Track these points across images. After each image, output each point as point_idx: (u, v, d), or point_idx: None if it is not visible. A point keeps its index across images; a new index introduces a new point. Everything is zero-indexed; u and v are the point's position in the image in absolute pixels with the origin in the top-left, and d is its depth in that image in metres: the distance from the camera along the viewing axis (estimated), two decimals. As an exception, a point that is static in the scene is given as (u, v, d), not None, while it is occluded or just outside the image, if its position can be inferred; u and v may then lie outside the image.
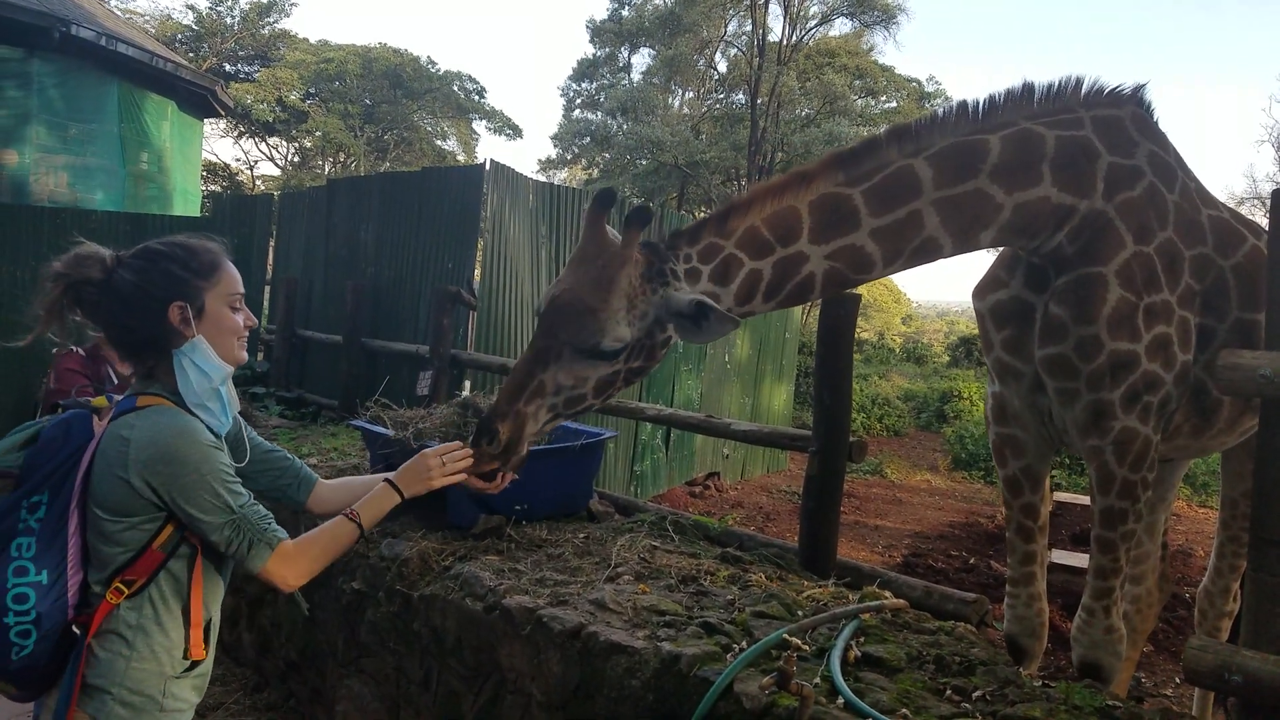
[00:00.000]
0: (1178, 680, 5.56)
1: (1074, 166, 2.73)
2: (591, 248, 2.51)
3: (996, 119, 2.70)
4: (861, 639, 2.63)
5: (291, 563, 2.02)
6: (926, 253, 2.67)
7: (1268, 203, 2.63)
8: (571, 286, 2.47)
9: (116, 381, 3.97)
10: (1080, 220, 2.76)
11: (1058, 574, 6.64)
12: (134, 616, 1.90)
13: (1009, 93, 2.77)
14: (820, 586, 3.21)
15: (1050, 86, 2.80)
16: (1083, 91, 2.83)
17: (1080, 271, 2.77)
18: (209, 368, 1.98)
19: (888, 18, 25.35)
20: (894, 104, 28.28)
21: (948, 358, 30.69)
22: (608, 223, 2.55)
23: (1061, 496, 9.93)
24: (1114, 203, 2.77)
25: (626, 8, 28.27)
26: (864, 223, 2.57)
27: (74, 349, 3.92)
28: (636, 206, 2.58)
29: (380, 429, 4.03)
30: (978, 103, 2.73)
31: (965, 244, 2.71)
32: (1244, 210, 22.17)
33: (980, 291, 3.15)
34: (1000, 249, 3.09)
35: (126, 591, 1.89)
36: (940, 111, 2.72)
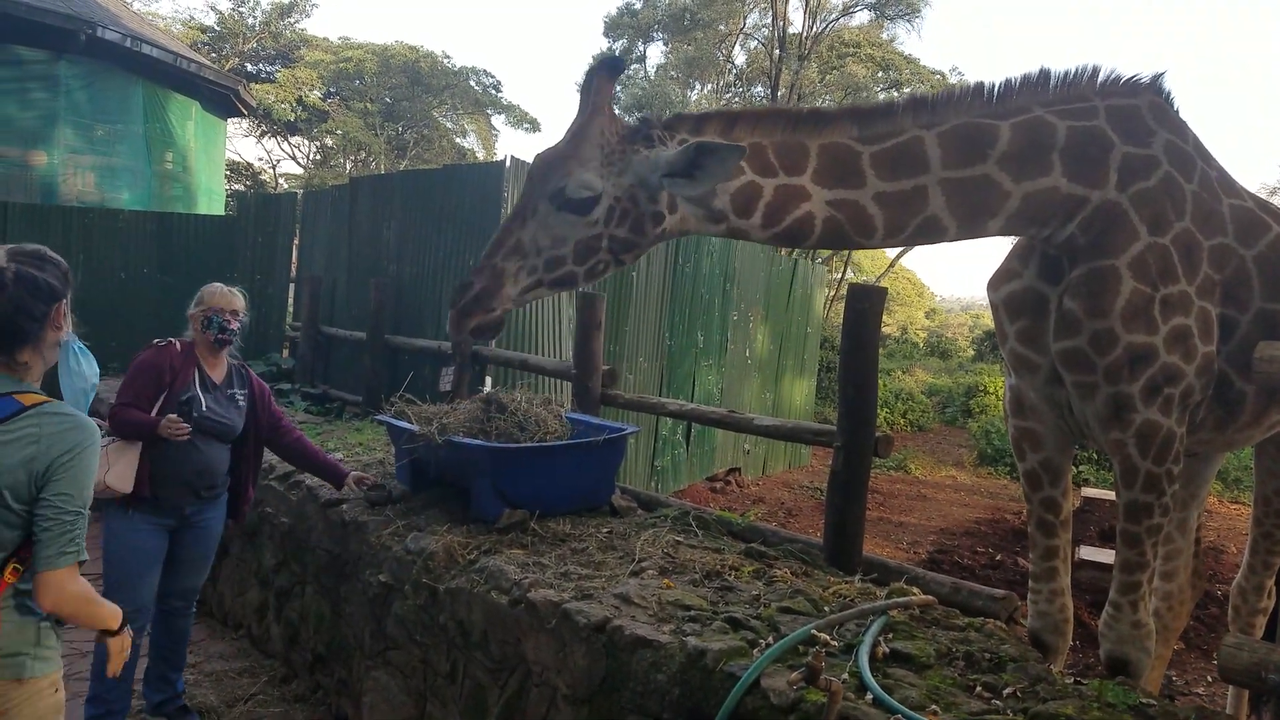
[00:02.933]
0: (1210, 678, 5.49)
1: (1086, 157, 2.70)
2: (582, 112, 2.54)
3: (1011, 104, 2.69)
4: (890, 635, 2.61)
5: (72, 584, 2.04)
6: (930, 232, 2.66)
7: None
8: (553, 145, 2.52)
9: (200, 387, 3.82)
10: (1093, 211, 2.73)
11: (1086, 570, 6.57)
12: (27, 588, 2.05)
13: (1025, 78, 2.75)
14: (846, 582, 3.20)
15: (1066, 74, 2.78)
16: (1099, 80, 2.80)
17: (1092, 264, 2.74)
18: (89, 360, 2.18)
19: (911, 10, 25.12)
20: (918, 97, 27.99)
21: (972, 352, 30.44)
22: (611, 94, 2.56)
23: (1089, 492, 9.83)
24: (1128, 193, 2.73)
25: (640, 1, 28.17)
26: (869, 184, 2.58)
27: (172, 341, 3.87)
28: (605, 55, 2.57)
29: (406, 424, 4.05)
30: (994, 85, 2.72)
31: (971, 230, 2.70)
32: (1276, 199, 21.82)
33: (995, 283, 3.13)
34: (1015, 240, 3.06)
35: (21, 570, 2.03)
36: (958, 89, 2.71)
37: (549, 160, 2.53)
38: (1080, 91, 2.77)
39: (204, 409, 3.77)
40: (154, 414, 3.66)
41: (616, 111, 2.65)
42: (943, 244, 2.73)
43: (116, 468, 3.57)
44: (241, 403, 3.99)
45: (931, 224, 2.64)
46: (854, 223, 2.60)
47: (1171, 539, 3.93)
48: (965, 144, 2.62)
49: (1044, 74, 2.76)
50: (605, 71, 2.51)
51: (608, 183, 2.47)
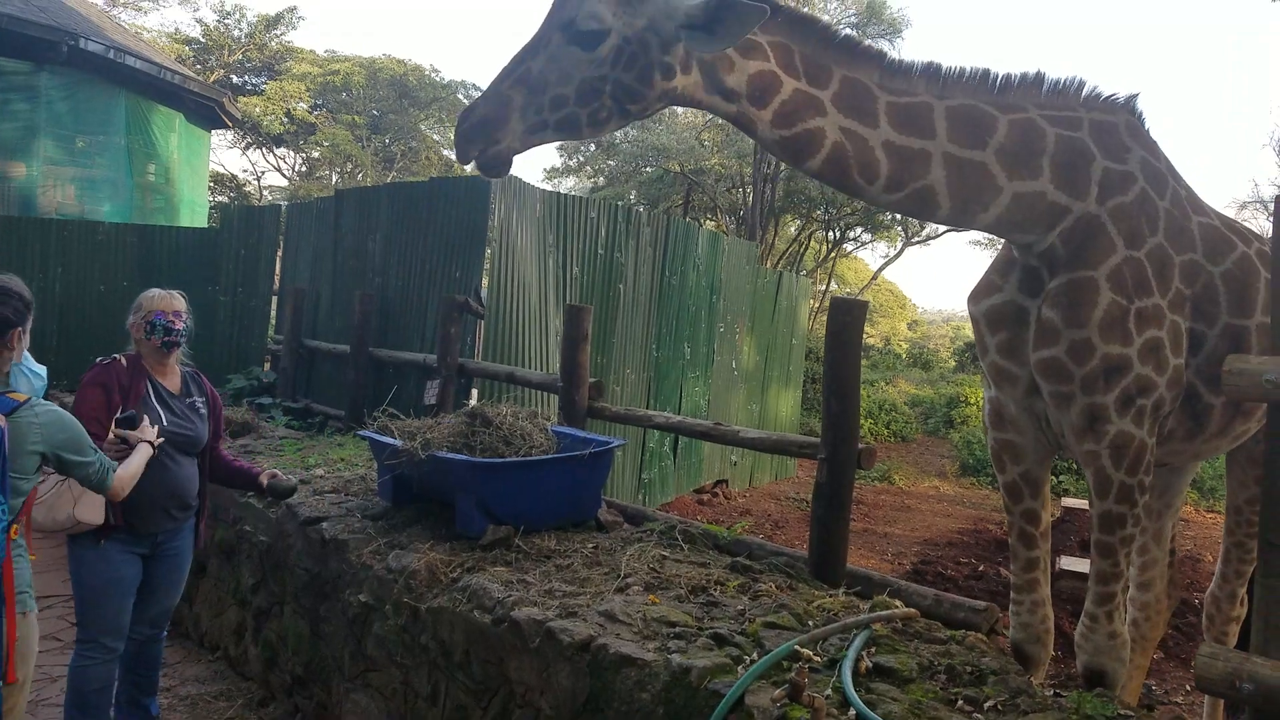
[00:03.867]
0: (1188, 687, 5.52)
1: (1071, 167, 2.76)
2: None
3: (1009, 97, 2.75)
4: (873, 649, 2.61)
5: (122, 480, 3.16)
6: (924, 203, 2.70)
7: (1269, 207, 2.65)
8: None
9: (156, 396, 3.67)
10: (1073, 222, 2.78)
11: (1067, 580, 6.60)
12: (20, 539, 2.89)
13: (1023, 76, 2.82)
14: (831, 596, 3.20)
15: (1057, 81, 2.85)
16: (1083, 93, 2.86)
17: (1072, 275, 2.78)
18: (40, 379, 3.18)
19: (892, 30, 25.35)
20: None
21: (954, 363, 30.61)
22: None
23: (1069, 502, 9.89)
24: (1106, 207, 2.78)
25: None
26: (881, 129, 2.60)
27: (116, 357, 3.65)
28: None
29: (388, 439, 4.03)
30: (996, 75, 2.78)
31: (963, 216, 2.75)
32: (1245, 214, 22.11)
33: (975, 296, 3.16)
34: (995, 253, 3.11)
35: (19, 526, 2.85)
36: (966, 70, 2.75)
37: None
38: (1068, 101, 2.83)
39: (165, 423, 3.58)
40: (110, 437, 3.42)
41: None
42: (936, 222, 2.77)
43: (84, 499, 3.39)
44: (202, 410, 3.81)
45: (927, 194, 2.67)
46: (859, 160, 2.60)
47: (1147, 549, 3.97)
48: (968, 125, 2.67)
49: (1039, 76, 2.83)
50: None
51: (619, 20, 2.39)
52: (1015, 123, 2.71)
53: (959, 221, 2.78)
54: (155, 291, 3.76)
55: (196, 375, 3.93)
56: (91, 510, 3.42)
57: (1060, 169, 2.74)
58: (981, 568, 8.19)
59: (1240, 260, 3.03)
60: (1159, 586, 4.03)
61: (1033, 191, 2.73)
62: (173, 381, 3.76)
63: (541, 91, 2.43)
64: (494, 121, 2.46)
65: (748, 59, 2.50)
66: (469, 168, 2.47)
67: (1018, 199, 2.72)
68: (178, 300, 3.75)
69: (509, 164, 2.56)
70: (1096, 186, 2.78)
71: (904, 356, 32.53)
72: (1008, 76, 2.77)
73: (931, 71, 2.69)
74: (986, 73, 2.76)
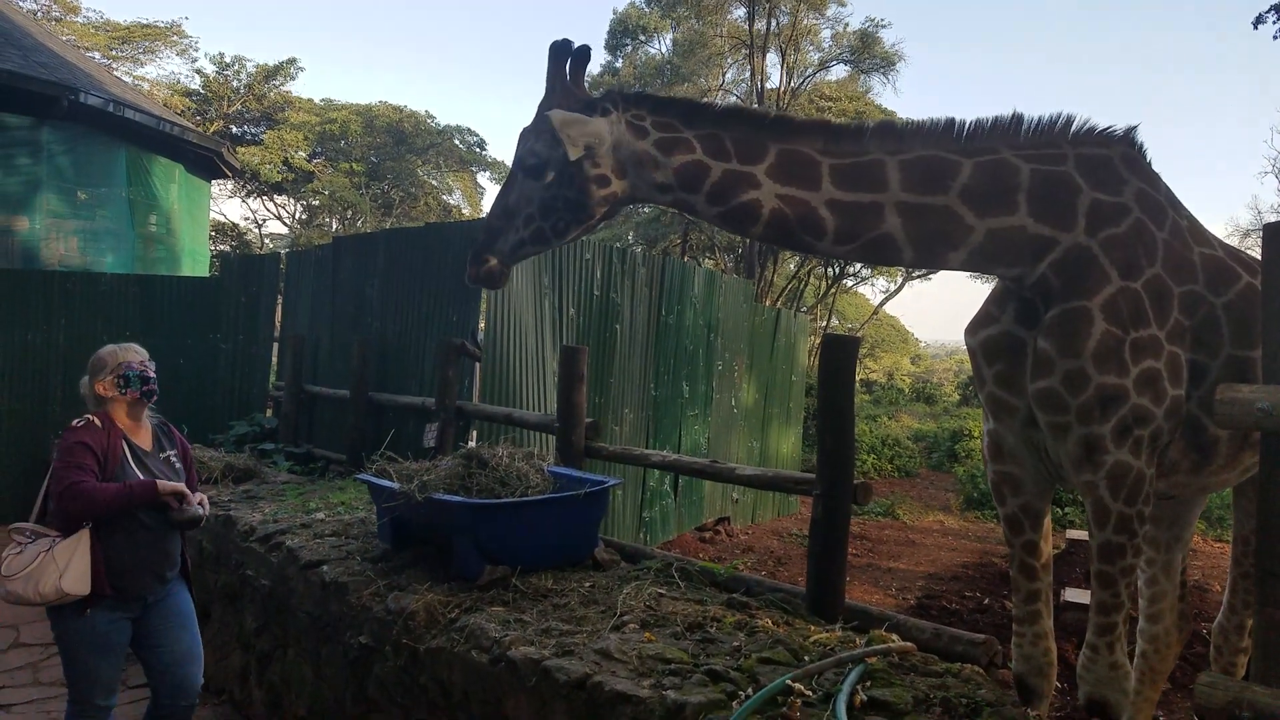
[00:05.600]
0: (1195, 718, 5.46)
1: (1052, 199, 2.78)
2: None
3: (979, 143, 2.79)
4: (868, 683, 2.61)
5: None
6: (884, 250, 2.77)
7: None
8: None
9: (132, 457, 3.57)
10: (1063, 254, 2.79)
11: (1071, 613, 6.55)
12: None
13: (997, 121, 2.85)
14: (828, 631, 3.20)
15: (1039, 121, 2.87)
16: (1072, 129, 2.88)
17: (1065, 306, 2.80)
18: None
19: (887, 64, 25.74)
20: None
21: (957, 396, 30.59)
22: (582, 78, 2.99)
23: (1074, 534, 9.83)
24: (1097, 238, 2.80)
25: (620, 59, 28.80)
26: (824, 190, 2.70)
27: (89, 418, 3.49)
28: (557, 40, 2.97)
29: (386, 482, 4.05)
30: (964, 124, 2.83)
31: (930, 257, 2.80)
32: (1249, 241, 22.20)
33: (972, 328, 3.18)
34: (993, 286, 3.13)
35: None
36: (928, 123, 2.82)
37: (521, 135, 2.94)
38: (1051, 139, 2.86)
39: None
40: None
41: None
42: (902, 266, 2.85)
43: (71, 570, 3.27)
44: (177, 464, 3.71)
45: (885, 242, 2.74)
46: (802, 221, 2.72)
47: (1156, 581, 3.94)
48: (926, 173, 2.72)
49: (1016, 119, 2.85)
50: (554, 55, 2.91)
51: (554, 151, 2.79)
52: (982, 164, 2.75)
53: (928, 263, 2.84)
54: (113, 347, 3.63)
55: (165, 425, 3.83)
56: (79, 581, 3.29)
57: (1038, 202, 2.77)
58: (986, 601, 8.13)
59: (1243, 291, 3.03)
60: (1168, 619, 3.99)
61: (1009, 226, 2.76)
62: (144, 438, 3.65)
63: (517, 215, 2.89)
64: (486, 245, 2.94)
65: (671, 156, 2.77)
66: (470, 281, 3.01)
67: (993, 235, 2.76)
68: (140, 351, 3.67)
69: (503, 278, 3.00)
70: (1084, 218, 2.80)
71: (907, 391, 32.53)
72: (978, 123, 2.81)
73: (885, 130, 2.77)
74: (951, 122, 2.81)
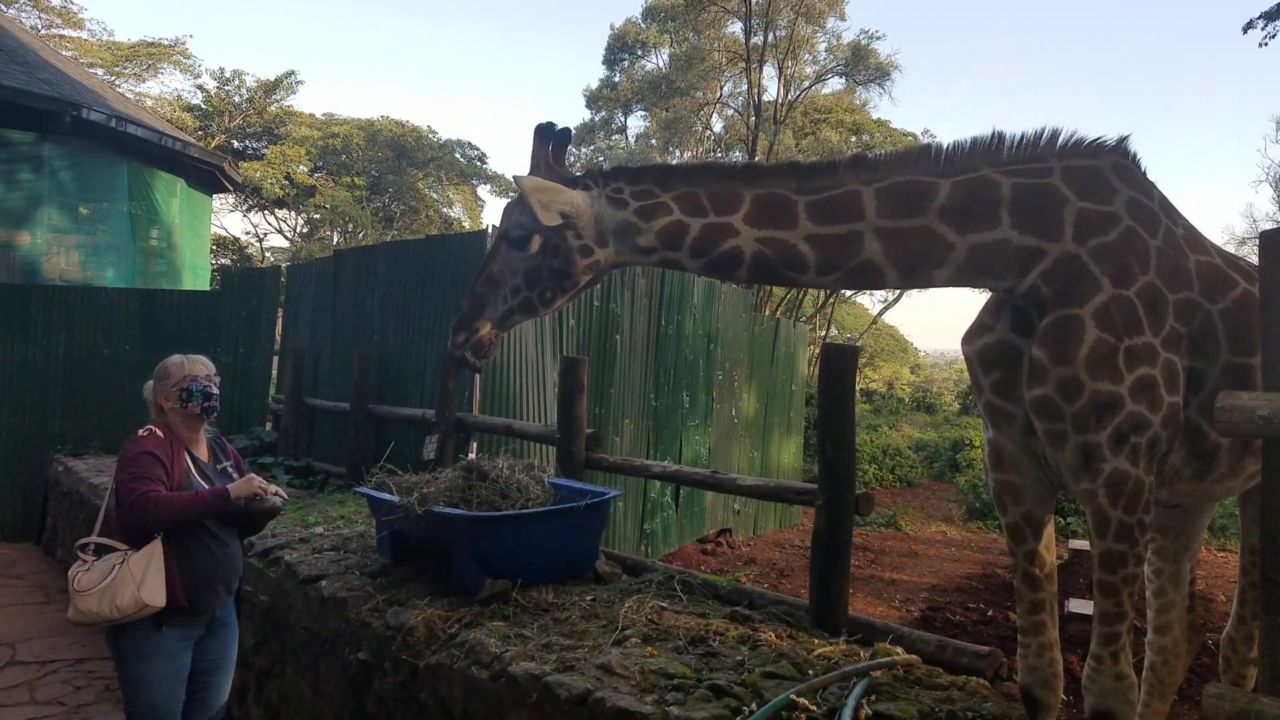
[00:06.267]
0: (1205, 730, 5.41)
1: (1036, 210, 2.79)
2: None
3: (958, 164, 2.79)
4: (873, 697, 2.58)
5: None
6: (868, 275, 2.80)
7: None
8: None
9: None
10: (1052, 263, 2.80)
11: (1076, 623, 6.51)
12: None
13: (976, 141, 2.85)
14: (831, 644, 3.17)
15: (1023, 137, 2.87)
16: (1058, 143, 2.89)
17: (1058, 314, 2.80)
18: None
19: (882, 75, 25.83)
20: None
21: (958, 406, 30.55)
22: (564, 157, 3.05)
23: (1077, 545, 9.79)
24: (1086, 247, 2.80)
25: (619, 73, 28.93)
26: (801, 226, 2.74)
27: (151, 429, 3.46)
28: (541, 123, 3.05)
29: (385, 495, 4.03)
30: (941, 147, 2.84)
31: (915, 278, 2.82)
32: (1245, 249, 22.23)
33: (968, 337, 3.18)
34: (989, 295, 3.12)
35: None
36: (904, 151, 2.85)
37: (506, 209, 3.00)
38: (1037, 153, 2.86)
39: None
40: None
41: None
42: (889, 288, 2.87)
43: (148, 581, 3.17)
44: (233, 474, 3.65)
45: (868, 268, 2.77)
46: (783, 258, 2.77)
47: (1164, 592, 3.91)
48: (902, 198, 2.74)
49: (997, 136, 2.86)
50: (538, 135, 2.99)
51: (537, 224, 2.86)
52: (961, 183, 2.77)
53: (915, 283, 2.87)
54: (180, 358, 3.59)
55: (219, 439, 3.82)
56: (156, 591, 3.19)
57: (1022, 215, 2.78)
58: (990, 612, 8.08)
59: (1241, 298, 3.03)
60: (1177, 630, 3.96)
61: (992, 240, 2.78)
62: (202, 450, 3.61)
63: (503, 284, 2.96)
64: (473, 315, 2.96)
65: (652, 221, 2.85)
66: (454, 349, 3.00)
67: (975, 250, 2.78)
68: (208, 364, 3.64)
69: (490, 347, 3.00)
70: (1071, 227, 2.81)
71: (907, 400, 32.49)
72: (957, 145, 2.83)
73: (858, 163, 2.81)
74: (928, 148, 2.85)
